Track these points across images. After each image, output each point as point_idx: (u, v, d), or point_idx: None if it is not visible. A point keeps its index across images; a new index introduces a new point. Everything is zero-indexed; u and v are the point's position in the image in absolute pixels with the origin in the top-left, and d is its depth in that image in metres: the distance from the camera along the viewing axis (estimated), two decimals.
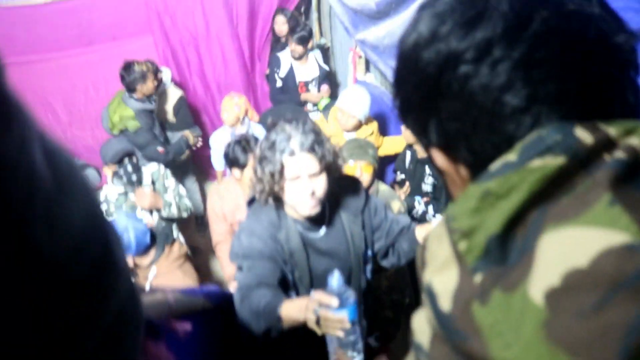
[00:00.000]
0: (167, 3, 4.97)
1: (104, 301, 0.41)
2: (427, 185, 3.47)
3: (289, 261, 1.93)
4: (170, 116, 4.72)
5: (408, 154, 3.65)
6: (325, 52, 5.48)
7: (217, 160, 4.27)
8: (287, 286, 1.95)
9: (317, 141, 1.83)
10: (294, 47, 4.72)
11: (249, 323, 1.77)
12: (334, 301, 1.54)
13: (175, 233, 3.69)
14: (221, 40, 5.23)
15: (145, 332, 0.80)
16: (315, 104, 4.88)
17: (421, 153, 3.48)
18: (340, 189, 2.08)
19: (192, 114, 5.02)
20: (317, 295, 1.61)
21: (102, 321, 0.41)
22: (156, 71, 4.23)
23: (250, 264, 1.88)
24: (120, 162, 3.41)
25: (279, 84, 4.97)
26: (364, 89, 3.88)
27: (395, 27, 3.28)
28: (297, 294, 2.02)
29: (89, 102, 5.07)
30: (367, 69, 4.72)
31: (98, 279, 0.40)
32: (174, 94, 4.73)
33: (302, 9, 5.78)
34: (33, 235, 0.33)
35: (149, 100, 4.20)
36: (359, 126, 3.78)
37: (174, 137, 4.72)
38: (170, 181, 3.71)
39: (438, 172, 0.71)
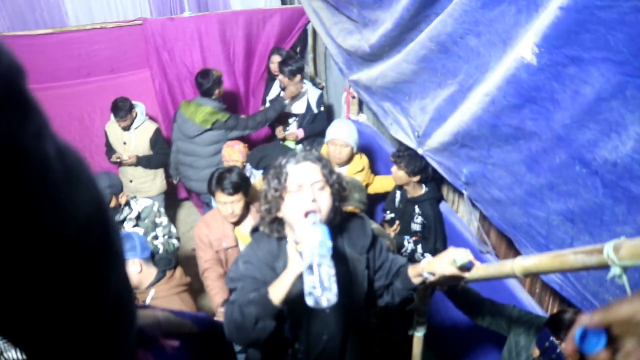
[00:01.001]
0: (165, 39, 5.07)
1: (102, 283, 0.45)
2: (417, 224, 3.50)
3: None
4: (147, 150, 4.90)
5: (398, 193, 3.69)
6: (323, 93, 5.57)
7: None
8: (281, 318, 1.92)
9: (322, 159, 1.94)
10: (282, 78, 4.85)
11: (238, 323, 1.76)
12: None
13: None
14: None
15: (140, 343, 0.83)
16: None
17: (411, 193, 3.52)
18: (348, 225, 2.10)
19: None
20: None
21: (102, 303, 0.45)
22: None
23: (243, 286, 1.89)
24: None
25: (266, 104, 5.17)
26: (349, 121, 3.99)
27: (387, 69, 3.36)
28: (292, 328, 2.01)
29: (84, 130, 5.14)
30: (360, 109, 4.80)
31: (99, 259, 0.44)
32: (149, 128, 4.90)
33: (298, 49, 5.89)
34: (42, 212, 0.38)
35: (221, 102, 4.70)
36: (351, 157, 3.84)
37: (147, 173, 4.93)
38: (163, 219, 3.72)
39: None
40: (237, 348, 3.16)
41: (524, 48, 1.95)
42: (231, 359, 2.39)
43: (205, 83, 4.60)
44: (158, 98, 5.32)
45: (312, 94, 4.93)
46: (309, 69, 5.75)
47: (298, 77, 4.75)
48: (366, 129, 4.52)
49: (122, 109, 4.63)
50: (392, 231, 3.55)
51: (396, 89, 3.36)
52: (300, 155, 1.91)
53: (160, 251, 3.53)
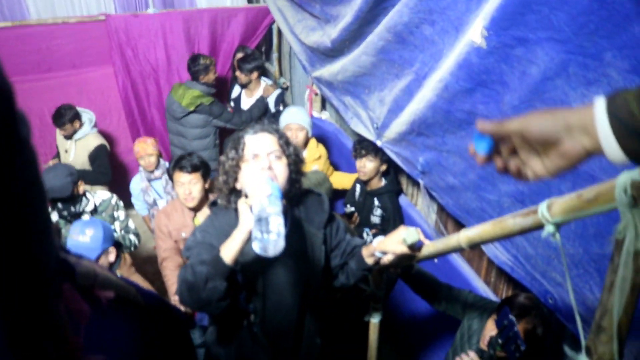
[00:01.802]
0: (129, 35, 5.04)
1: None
2: (376, 217, 3.53)
3: (241, 262, 1.92)
4: (86, 163, 4.66)
5: (358, 187, 3.72)
6: (284, 91, 5.59)
7: (140, 205, 4.38)
8: (236, 287, 1.92)
9: (279, 130, 1.97)
10: (238, 74, 4.93)
11: (190, 283, 1.76)
12: None
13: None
14: (181, 74, 5.31)
15: (62, 273, 0.82)
16: None
17: (371, 185, 3.56)
18: (305, 200, 2.13)
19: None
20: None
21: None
22: (215, 64, 4.94)
23: (199, 251, 1.89)
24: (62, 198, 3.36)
25: (231, 104, 5.27)
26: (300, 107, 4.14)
27: (348, 63, 3.40)
28: (248, 298, 2.01)
29: (45, 126, 5.03)
30: (323, 106, 4.83)
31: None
32: (91, 142, 4.67)
33: (263, 49, 5.90)
34: None
35: (210, 87, 4.78)
36: (307, 141, 3.88)
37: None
38: (121, 213, 3.68)
39: None
40: (197, 341, 3.14)
41: (474, 32, 2.00)
42: (188, 351, 2.35)
43: (193, 67, 4.72)
44: (121, 95, 5.27)
45: (273, 95, 4.96)
46: (274, 68, 5.76)
47: (255, 74, 4.80)
48: (329, 127, 4.55)
49: (62, 116, 4.48)
50: (351, 224, 3.58)
51: (356, 82, 3.39)
52: (258, 126, 1.95)
53: None
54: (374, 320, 2.59)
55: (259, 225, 1.60)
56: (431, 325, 3.36)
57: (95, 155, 4.63)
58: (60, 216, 3.43)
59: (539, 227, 1.21)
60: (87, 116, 4.74)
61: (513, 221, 1.32)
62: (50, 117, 4.63)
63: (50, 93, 5.03)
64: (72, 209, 3.40)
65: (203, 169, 3.24)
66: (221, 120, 4.79)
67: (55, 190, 3.30)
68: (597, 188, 1.01)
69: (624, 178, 0.91)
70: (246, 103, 5.06)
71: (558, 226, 1.16)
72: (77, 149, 4.65)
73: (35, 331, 0.71)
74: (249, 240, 1.72)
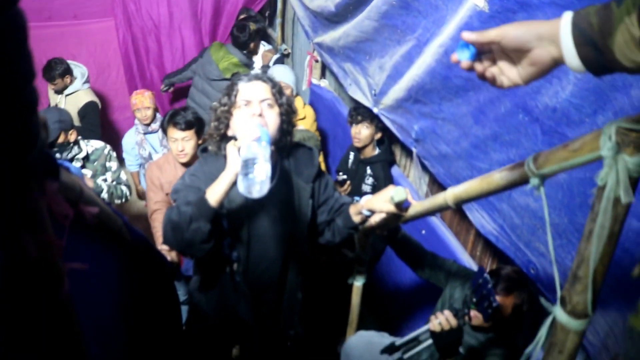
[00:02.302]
0: None
1: None
2: (367, 185, 3.53)
3: (227, 207, 1.94)
4: (76, 119, 4.55)
5: (351, 155, 3.72)
6: (285, 58, 5.55)
7: (131, 161, 4.34)
8: (221, 233, 1.94)
9: (273, 79, 2.00)
10: (237, 34, 4.80)
11: (174, 222, 1.77)
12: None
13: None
14: (182, 32, 5.27)
15: (46, 169, 0.83)
16: None
17: (364, 154, 3.56)
18: (296, 153, 2.13)
19: None
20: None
21: None
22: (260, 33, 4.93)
23: (186, 194, 1.90)
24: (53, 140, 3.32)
25: None
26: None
27: (350, 28, 3.38)
28: (232, 246, 2.02)
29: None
30: (323, 75, 4.81)
31: None
32: (82, 98, 4.61)
33: (267, 14, 5.85)
34: None
35: (250, 58, 4.76)
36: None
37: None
38: (113, 164, 3.67)
39: None
40: (182, 298, 3.16)
41: None
42: (172, 301, 2.36)
43: (242, 37, 4.64)
44: (121, 49, 5.22)
45: (271, 61, 4.93)
46: (276, 34, 5.72)
47: (253, 43, 4.80)
48: (327, 94, 4.53)
49: (52, 70, 4.42)
50: (342, 191, 3.58)
51: (358, 48, 3.38)
52: (252, 75, 1.96)
53: (104, 193, 3.46)
54: (358, 284, 2.61)
55: (246, 167, 1.62)
56: (414, 295, 3.39)
57: (85, 112, 4.57)
58: None
59: (525, 181, 1.22)
60: (80, 71, 4.69)
61: (499, 175, 1.32)
62: None
63: (48, 42, 4.97)
64: (59, 155, 3.38)
65: (197, 125, 3.22)
66: None
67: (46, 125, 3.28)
68: (583, 138, 1.02)
69: (610, 124, 0.92)
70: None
71: (543, 179, 1.16)
72: (66, 104, 4.56)
73: (13, 219, 0.72)
74: (235, 184, 1.73)
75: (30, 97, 0.65)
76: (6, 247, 0.74)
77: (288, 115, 1.99)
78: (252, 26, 4.68)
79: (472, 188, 1.47)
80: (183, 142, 3.16)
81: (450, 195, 1.59)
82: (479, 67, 1.06)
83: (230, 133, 1.95)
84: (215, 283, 2.15)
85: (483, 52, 1.04)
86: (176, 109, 3.29)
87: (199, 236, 1.76)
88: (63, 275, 0.86)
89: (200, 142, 3.25)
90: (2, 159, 0.66)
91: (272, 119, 1.90)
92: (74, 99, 4.60)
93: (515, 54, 0.99)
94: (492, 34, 0.99)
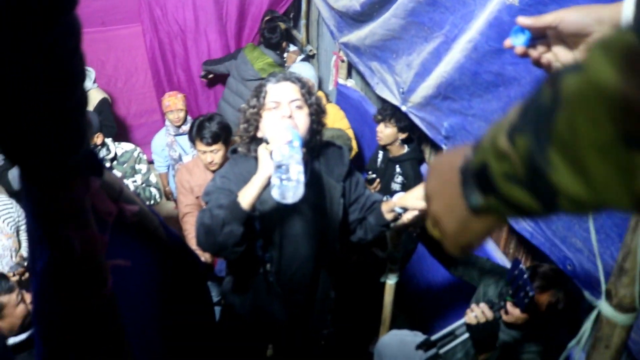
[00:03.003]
0: None
1: None
2: (397, 184, 3.51)
3: (259, 209, 1.93)
4: None
5: (380, 153, 3.70)
6: (310, 58, 5.56)
7: (161, 162, 4.38)
8: (253, 234, 1.94)
9: (302, 79, 1.97)
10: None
11: (207, 226, 1.77)
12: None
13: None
14: (208, 36, 5.31)
15: (91, 166, 0.84)
16: None
17: (393, 152, 3.54)
18: (326, 152, 2.12)
19: None
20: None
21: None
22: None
23: (218, 196, 1.90)
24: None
25: None
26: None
27: (376, 27, 3.37)
28: (264, 247, 2.02)
29: None
30: (349, 74, 4.80)
31: None
32: (95, 97, 4.67)
33: (292, 15, 5.86)
34: None
35: (283, 58, 4.82)
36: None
37: None
38: (143, 166, 3.71)
39: None
40: (215, 299, 3.17)
41: None
42: (205, 301, 2.37)
43: (274, 38, 4.70)
44: (148, 54, 5.29)
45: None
46: (301, 35, 5.73)
47: (284, 43, 4.83)
48: (354, 94, 4.52)
49: None
50: (372, 190, 3.57)
51: (384, 46, 3.36)
52: (280, 75, 1.95)
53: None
54: (390, 282, 2.60)
55: (279, 172, 1.60)
56: (446, 294, 3.36)
57: (100, 110, 4.61)
58: None
59: None
60: (87, 73, 4.74)
61: None
62: None
63: None
64: (98, 153, 3.44)
65: (224, 135, 3.20)
66: None
67: (91, 124, 3.36)
68: None
69: None
70: None
71: None
72: None
73: (60, 216, 0.73)
74: (267, 186, 1.73)
75: (81, 97, 0.66)
76: (53, 244, 0.75)
77: (317, 115, 1.98)
78: (282, 26, 4.72)
79: None
80: (212, 154, 3.17)
81: None
82: (533, 52, 1.02)
83: (259, 135, 1.95)
84: (249, 284, 2.15)
85: (538, 37, 1.01)
86: (202, 118, 3.25)
87: (232, 239, 1.76)
88: (107, 272, 0.87)
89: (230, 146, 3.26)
90: (53, 157, 0.67)
91: (302, 120, 1.89)
92: (88, 97, 4.65)
93: (572, 39, 0.95)
94: (549, 19, 0.96)
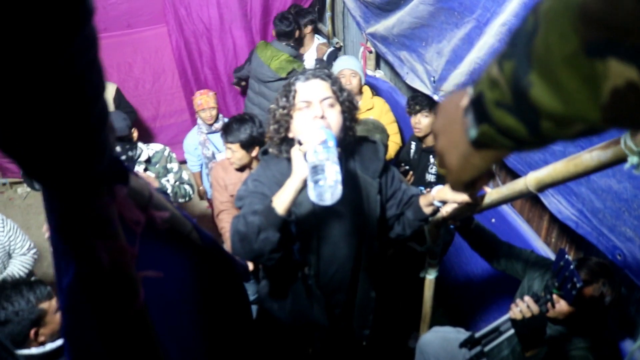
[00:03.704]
0: None
1: None
2: (431, 175, 3.44)
3: (295, 212, 1.87)
4: (112, 109, 4.70)
5: (413, 144, 3.63)
6: (338, 51, 5.50)
7: (194, 161, 4.35)
8: (290, 239, 1.87)
9: (332, 75, 1.87)
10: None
11: (242, 233, 1.71)
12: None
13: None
14: (233, 33, 5.29)
15: (116, 174, 0.79)
16: None
17: (427, 143, 3.46)
18: (360, 148, 2.05)
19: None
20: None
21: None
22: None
23: (251, 201, 1.83)
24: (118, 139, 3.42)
25: None
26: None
27: (404, 15, 3.28)
28: (302, 250, 1.96)
29: None
30: (377, 65, 4.72)
31: None
32: (109, 89, 4.73)
33: (317, 8, 5.80)
34: None
35: (297, 49, 4.66)
36: (361, 88, 3.88)
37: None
38: (174, 165, 3.70)
39: None
40: (252, 297, 3.14)
41: None
42: (243, 304, 2.32)
43: (284, 26, 4.56)
44: (175, 54, 5.29)
45: (318, 52, 4.87)
46: (327, 28, 5.66)
47: (309, 28, 4.73)
48: (383, 85, 4.44)
49: None
50: (406, 182, 3.50)
51: (413, 35, 3.28)
52: (310, 72, 1.86)
53: (169, 191, 3.52)
54: (430, 277, 2.53)
55: (315, 173, 1.54)
56: (487, 288, 3.27)
57: (119, 98, 4.73)
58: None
59: (622, 160, 1.11)
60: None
61: (589, 156, 1.22)
62: (107, 76, 4.66)
63: (107, 52, 5.08)
64: (130, 152, 3.45)
65: (245, 142, 3.20)
66: None
67: (119, 129, 3.40)
68: None
69: None
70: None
71: None
72: None
73: (85, 226, 0.68)
74: (302, 189, 1.66)
75: (102, 110, 0.62)
76: (79, 258, 0.71)
77: (350, 112, 1.89)
78: (292, 10, 4.62)
79: (558, 171, 1.36)
80: (231, 152, 3.23)
81: (531, 180, 1.48)
82: None
83: (291, 135, 1.88)
84: (287, 289, 2.09)
85: None
86: (236, 118, 3.29)
87: (269, 246, 1.70)
88: (138, 284, 0.83)
89: (253, 154, 3.25)
90: (76, 171, 0.63)
91: (335, 119, 1.81)
92: None
93: None
94: None
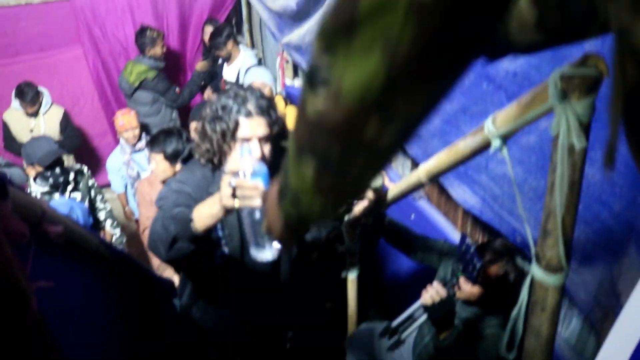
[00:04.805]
0: (95, 14, 4.97)
1: None
2: None
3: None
4: (57, 135, 4.70)
5: None
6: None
7: (118, 182, 4.31)
8: (214, 243, 1.89)
9: (271, 107, 1.87)
10: (217, 53, 4.85)
11: (158, 236, 1.70)
12: (248, 164, 1.54)
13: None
14: None
15: None
16: None
17: None
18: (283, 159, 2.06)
19: None
20: (229, 171, 1.58)
21: None
22: (163, 37, 4.95)
23: (175, 199, 1.82)
24: (49, 166, 3.38)
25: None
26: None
27: (314, 24, 3.38)
28: (226, 254, 1.98)
29: None
30: (296, 73, 4.81)
31: None
32: (58, 112, 4.77)
33: (234, 21, 5.85)
34: None
35: (158, 61, 4.81)
36: (272, 98, 3.91)
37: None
38: (107, 205, 3.77)
39: None
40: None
41: None
42: (161, 321, 2.30)
43: (140, 39, 4.76)
44: (93, 76, 5.22)
45: (245, 62, 4.88)
46: (245, 40, 5.72)
47: (230, 43, 4.75)
48: None
49: (29, 92, 4.51)
50: None
51: None
52: (252, 107, 1.81)
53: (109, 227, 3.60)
54: (352, 276, 2.60)
55: (255, 228, 1.52)
56: (413, 281, 3.38)
57: (66, 122, 4.75)
58: (54, 184, 3.43)
59: (489, 144, 1.21)
60: (44, 91, 4.78)
61: (464, 144, 1.32)
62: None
63: (20, 77, 4.88)
64: (66, 176, 3.46)
65: (172, 155, 3.18)
66: (168, 99, 4.83)
67: (51, 153, 3.40)
68: (533, 91, 1.01)
69: (555, 73, 0.91)
70: (227, 72, 4.93)
71: (505, 139, 1.16)
72: (46, 123, 4.67)
73: None
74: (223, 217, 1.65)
75: None
76: None
77: (281, 135, 1.91)
78: (151, 31, 4.78)
79: (442, 160, 1.47)
80: (154, 162, 3.23)
81: (422, 171, 1.58)
82: None
83: (224, 164, 1.87)
84: (210, 295, 2.12)
85: None
86: (164, 130, 3.32)
87: (182, 255, 1.70)
88: (30, 294, 0.86)
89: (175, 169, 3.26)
90: None
91: (269, 152, 1.84)
92: (51, 115, 4.73)
93: None
94: None
